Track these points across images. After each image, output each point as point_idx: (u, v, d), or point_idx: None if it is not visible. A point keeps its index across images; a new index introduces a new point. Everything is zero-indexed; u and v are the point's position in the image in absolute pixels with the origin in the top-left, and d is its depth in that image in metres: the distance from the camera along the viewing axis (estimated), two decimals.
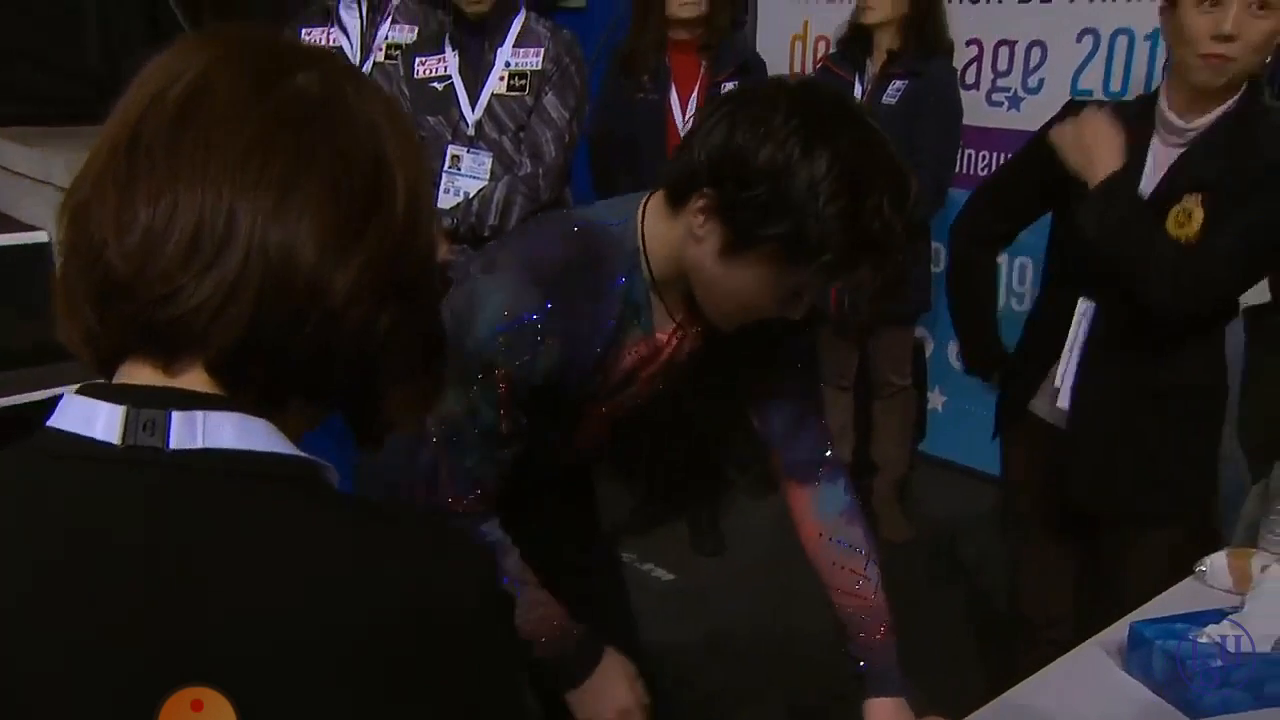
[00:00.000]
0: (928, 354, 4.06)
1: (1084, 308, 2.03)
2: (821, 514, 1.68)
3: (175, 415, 0.65)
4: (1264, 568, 1.70)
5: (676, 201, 1.31)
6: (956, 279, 2.31)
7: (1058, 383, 2.09)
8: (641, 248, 1.37)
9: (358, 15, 3.08)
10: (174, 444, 0.65)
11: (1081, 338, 2.04)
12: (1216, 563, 1.83)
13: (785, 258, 1.25)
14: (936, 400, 4.14)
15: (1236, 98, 1.86)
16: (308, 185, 0.66)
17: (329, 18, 3.08)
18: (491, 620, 0.68)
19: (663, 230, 1.35)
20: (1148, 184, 1.93)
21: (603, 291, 1.37)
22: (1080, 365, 2.04)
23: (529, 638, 1.43)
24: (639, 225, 1.37)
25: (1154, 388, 2.00)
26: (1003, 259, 3.83)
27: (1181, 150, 1.91)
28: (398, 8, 3.10)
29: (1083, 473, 2.08)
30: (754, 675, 2.39)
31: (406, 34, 3.07)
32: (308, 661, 0.62)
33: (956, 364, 4.09)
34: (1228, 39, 1.75)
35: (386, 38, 3.08)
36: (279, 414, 0.69)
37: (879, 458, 3.77)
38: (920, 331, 3.99)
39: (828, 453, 1.68)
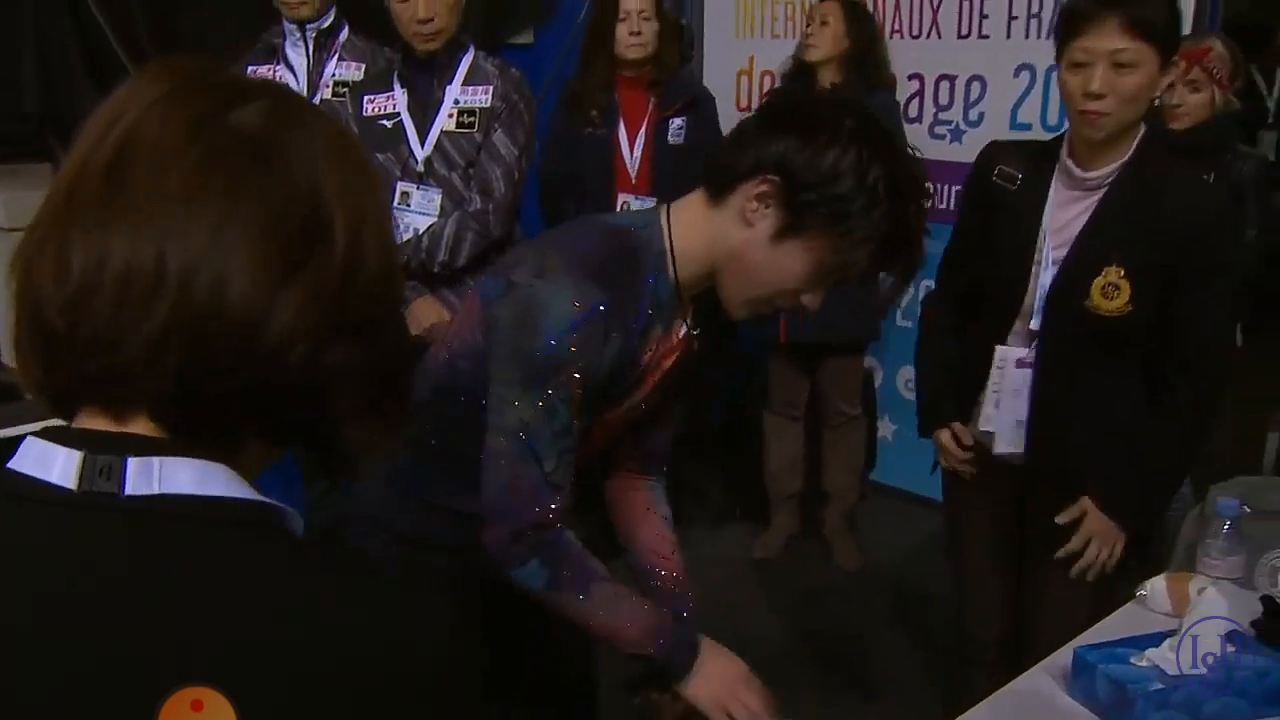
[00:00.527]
0: (877, 383, 4.10)
1: (1004, 355, 2.07)
2: (654, 498, 1.76)
3: (131, 461, 0.65)
4: (1200, 590, 1.74)
5: (722, 191, 1.42)
6: (924, 345, 2.33)
7: (988, 425, 2.11)
8: (669, 249, 1.45)
9: (304, 53, 3.09)
10: (129, 490, 0.65)
11: (1013, 385, 2.07)
12: (1156, 586, 1.87)
13: (832, 246, 1.39)
14: (886, 429, 4.18)
15: (1131, 151, 1.92)
16: (238, 226, 0.65)
17: (275, 55, 3.09)
18: (456, 674, 0.68)
19: (697, 225, 1.45)
20: (1052, 230, 1.99)
21: (641, 288, 1.44)
22: (1031, 415, 2.07)
23: (638, 648, 1.45)
24: (665, 228, 1.46)
25: (1105, 427, 2.04)
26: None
27: (1081, 203, 1.97)
28: (345, 45, 3.11)
29: (1042, 505, 2.11)
30: None
31: (354, 72, 3.09)
32: (263, 713, 0.61)
33: (906, 393, 4.13)
34: (1098, 96, 1.83)
35: (334, 75, 3.09)
36: (236, 455, 0.69)
37: (830, 487, 3.80)
38: (870, 361, 4.04)
39: (665, 446, 1.77)
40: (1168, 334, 1.95)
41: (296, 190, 0.67)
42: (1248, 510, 1.94)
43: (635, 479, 1.76)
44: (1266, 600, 1.81)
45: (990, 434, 2.12)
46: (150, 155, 0.65)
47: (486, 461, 1.40)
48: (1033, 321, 2.02)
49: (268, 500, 0.70)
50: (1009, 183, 2.03)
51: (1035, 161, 2.02)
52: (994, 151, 2.12)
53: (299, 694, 0.62)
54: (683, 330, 1.53)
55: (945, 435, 2.18)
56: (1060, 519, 2.05)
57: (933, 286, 2.35)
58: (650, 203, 3.26)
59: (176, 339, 0.64)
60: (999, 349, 2.06)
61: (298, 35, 3.08)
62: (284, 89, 0.74)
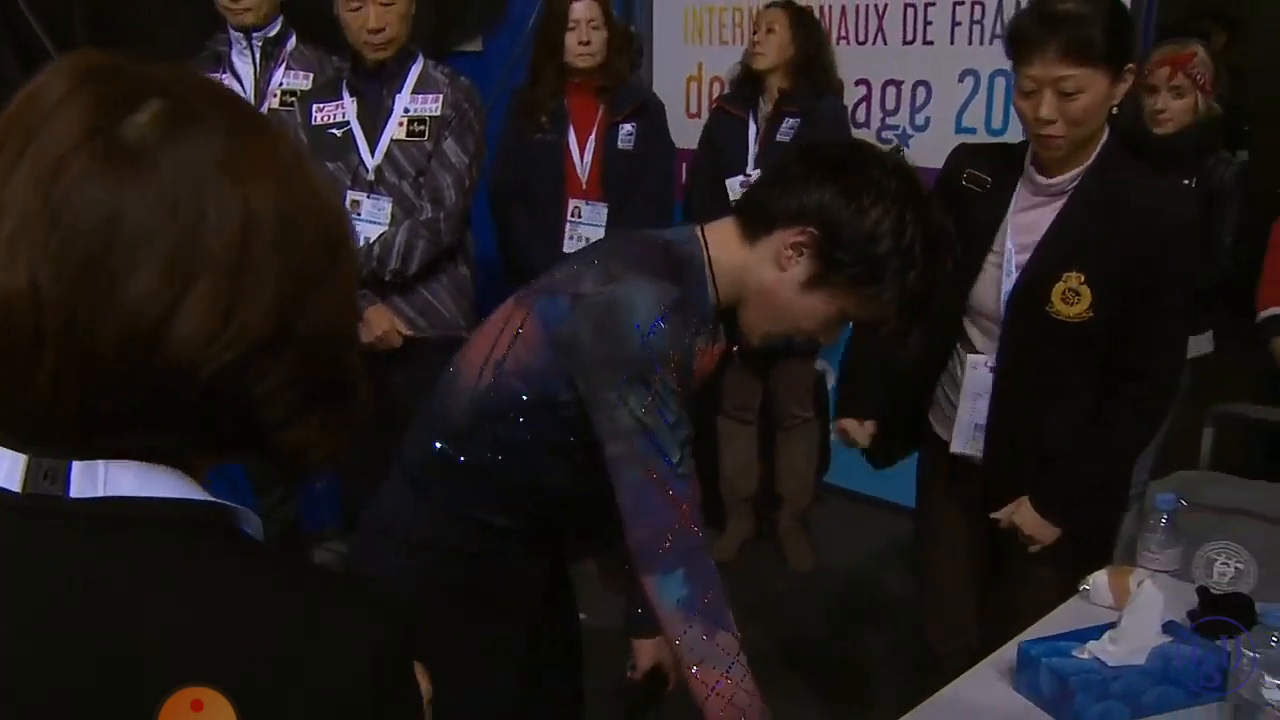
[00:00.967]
0: (829, 385, 4.13)
1: (973, 361, 2.08)
2: None
3: (76, 465, 0.65)
4: (1139, 583, 1.78)
5: (759, 229, 1.49)
6: (856, 349, 2.37)
7: (955, 443, 2.14)
8: (708, 264, 1.50)
9: (250, 61, 3.08)
10: (74, 492, 0.64)
11: (975, 388, 2.09)
12: (1098, 581, 1.90)
13: (861, 301, 1.48)
14: None
15: (1093, 158, 1.95)
16: (113, 252, 0.62)
17: (220, 63, 3.07)
18: (384, 686, 0.67)
19: (730, 252, 1.51)
20: (1014, 234, 2.01)
21: (696, 292, 1.48)
22: (991, 418, 2.09)
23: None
24: (703, 246, 1.51)
25: (1063, 431, 2.06)
26: None
27: (1044, 209, 1.99)
28: (292, 54, 3.10)
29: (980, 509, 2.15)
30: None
31: (302, 81, 3.08)
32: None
33: None
34: (1048, 122, 1.86)
35: (281, 84, 3.07)
36: (178, 459, 0.68)
37: (783, 489, 3.82)
38: (821, 363, 4.06)
39: None
40: (1124, 341, 1.96)
41: (175, 204, 0.63)
42: (1185, 504, 1.98)
43: None
44: (1202, 591, 1.85)
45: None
46: (33, 171, 0.63)
47: (615, 470, 1.41)
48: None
49: (219, 501, 0.69)
50: (978, 186, 2.05)
51: (1002, 166, 2.05)
52: (964, 155, 2.15)
53: (250, 691, 0.62)
54: (717, 345, 1.57)
55: (848, 423, 2.26)
56: (995, 515, 2.09)
57: None
58: (602, 208, 3.28)
59: (71, 375, 0.62)
60: (970, 356, 2.08)
61: (244, 43, 3.07)
62: (186, 85, 0.69)
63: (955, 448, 2.13)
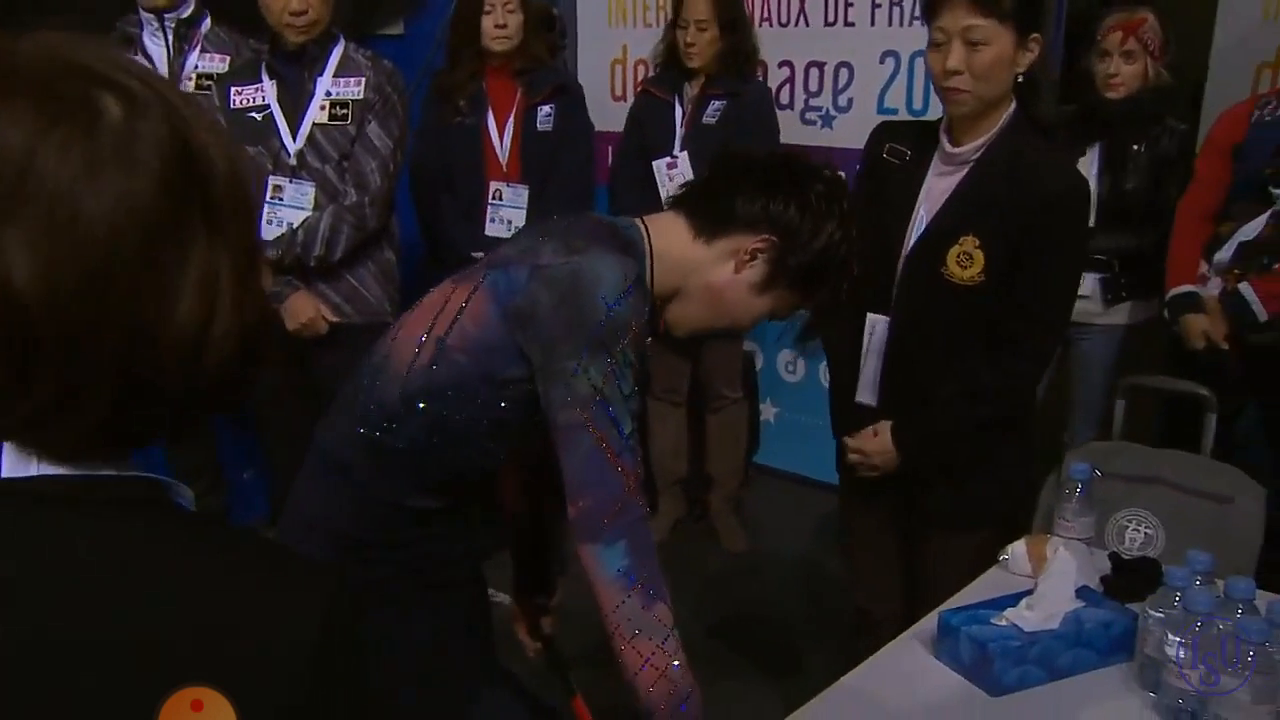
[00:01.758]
0: (758, 366, 4.17)
1: (874, 321, 2.14)
2: None
3: (7, 445, 0.65)
4: (1055, 551, 1.82)
5: (715, 230, 1.55)
6: (825, 338, 2.37)
7: (859, 394, 2.20)
8: (650, 254, 1.53)
9: (163, 44, 3.01)
10: (6, 472, 0.65)
11: (877, 347, 2.15)
12: (1017, 550, 1.95)
13: (798, 301, 1.60)
14: (769, 412, 4.26)
15: (997, 128, 2.00)
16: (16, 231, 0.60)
17: (131, 46, 2.99)
18: (333, 652, 0.67)
19: (676, 248, 1.55)
20: (926, 202, 2.07)
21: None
22: (881, 376, 2.15)
23: (649, 699, 1.39)
24: (646, 235, 1.54)
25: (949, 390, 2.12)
26: None
27: (952, 176, 2.05)
28: (207, 36, 3.04)
29: (899, 481, 2.19)
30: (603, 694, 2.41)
31: (217, 64, 3.02)
32: (123, 679, 0.61)
33: (787, 376, 4.22)
34: (955, 73, 1.93)
35: (196, 67, 3.01)
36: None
37: (714, 471, 3.85)
38: (750, 345, 4.10)
39: None
40: (1008, 306, 2.01)
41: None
42: (1099, 474, 2.03)
43: None
44: (1114, 557, 1.91)
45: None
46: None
47: (566, 436, 1.40)
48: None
49: (150, 475, 0.69)
50: (897, 159, 2.12)
51: (919, 139, 2.11)
52: (885, 131, 2.21)
53: (169, 660, 0.62)
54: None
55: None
56: (849, 439, 2.20)
57: None
58: (522, 189, 3.27)
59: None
60: (870, 315, 2.13)
61: (155, 25, 3.00)
62: (115, 62, 0.67)
63: (859, 397, 2.19)
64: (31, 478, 0.65)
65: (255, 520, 3.51)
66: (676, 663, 1.40)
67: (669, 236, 1.55)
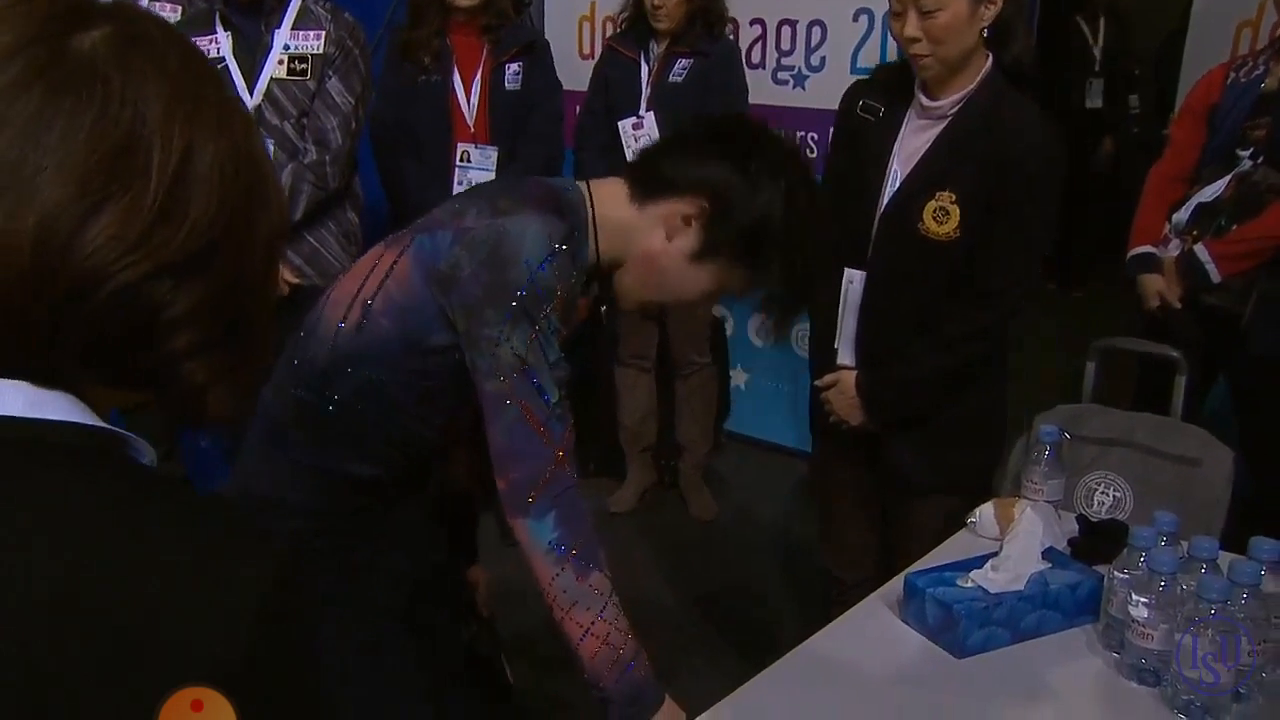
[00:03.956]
0: (729, 332, 4.13)
1: (850, 276, 2.13)
2: None
3: None
4: (1023, 512, 1.80)
5: (651, 194, 1.46)
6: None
7: (837, 344, 2.19)
8: (592, 220, 1.45)
9: None
10: None
11: (854, 303, 2.14)
12: (985, 513, 1.93)
13: (743, 276, 1.48)
14: (739, 378, 4.22)
15: (974, 84, 1.99)
16: (44, 151, 0.62)
17: None
18: (283, 618, 0.65)
19: (617, 212, 1.47)
20: (900, 156, 2.05)
21: (578, 240, 1.43)
22: (858, 332, 2.14)
23: (592, 667, 1.38)
24: (589, 200, 1.46)
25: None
26: None
27: (929, 131, 2.03)
28: None
29: (896, 444, 2.19)
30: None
31: (169, 13, 2.94)
32: (56, 647, 0.59)
33: (757, 341, 4.18)
34: (913, 40, 1.93)
35: None
36: (75, 387, 0.66)
37: (683, 438, 3.81)
38: (720, 310, 4.06)
39: None
40: (979, 262, 2.01)
41: (117, 120, 0.64)
42: (1068, 436, 2.01)
43: None
44: (1081, 519, 1.89)
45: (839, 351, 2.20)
46: None
47: (491, 409, 1.36)
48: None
49: (111, 427, 0.67)
50: (871, 115, 2.10)
51: (894, 95, 2.09)
52: (859, 87, 2.20)
53: (80, 621, 0.60)
54: (586, 298, 1.54)
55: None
56: (817, 382, 2.23)
57: None
58: (491, 151, 3.19)
59: None
60: (846, 270, 2.13)
61: None
62: (140, 16, 0.69)
63: (840, 359, 2.19)
64: None
65: (214, 488, 3.45)
66: (617, 629, 1.38)
67: (610, 202, 1.48)
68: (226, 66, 2.75)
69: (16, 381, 0.65)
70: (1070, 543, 1.82)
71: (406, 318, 1.41)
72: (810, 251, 1.48)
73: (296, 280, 2.83)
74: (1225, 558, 1.50)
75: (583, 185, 1.50)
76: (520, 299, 1.33)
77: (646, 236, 1.46)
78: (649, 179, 1.47)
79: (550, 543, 1.37)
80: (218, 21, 2.78)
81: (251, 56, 2.77)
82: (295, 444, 1.51)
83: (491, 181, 1.52)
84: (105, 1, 0.70)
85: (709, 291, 1.51)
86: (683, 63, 3.31)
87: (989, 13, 1.94)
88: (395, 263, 1.43)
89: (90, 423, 0.66)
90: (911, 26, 1.92)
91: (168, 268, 0.65)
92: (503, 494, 1.39)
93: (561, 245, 1.35)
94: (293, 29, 2.78)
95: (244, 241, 0.70)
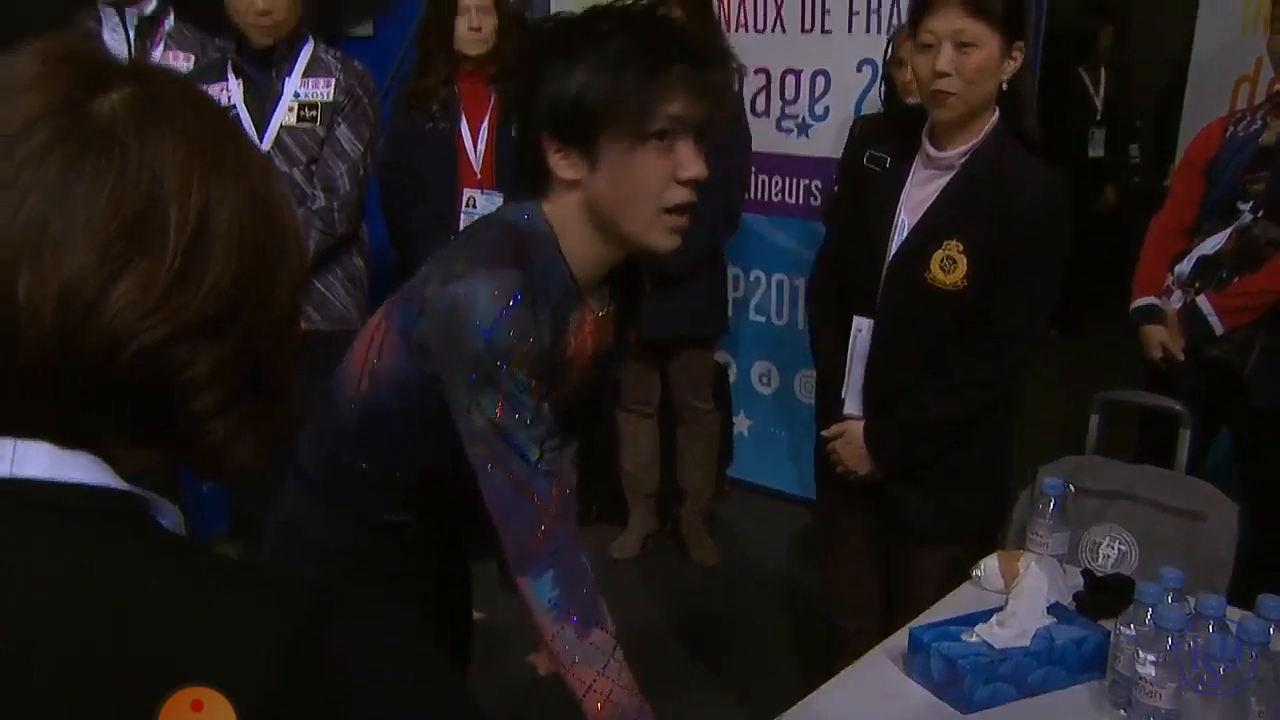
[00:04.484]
0: (732, 378, 4.14)
1: (859, 324, 2.14)
2: None
3: None
4: (1027, 567, 1.79)
5: (543, 180, 1.41)
6: (815, 339, 2.37)
7: (843, 393, 2.19)
8: (552, 235, 1.42)
9: (124, 40, 2.95)
10: None
11: (862, 351, 2.15)
12: (989, 566, 1.92)
13: (636, 136, 1.34)
14: (742, 424, 4.22)
15: (982, 135, 2.00)
16: (66, 219, 0.63)
17: (88, 40, 2.93)
18: (304, 683, 0.66)
19: (560, 213, 1.42)
20: (908, 206, 2.06)
21: (547, 275, 1.41)
22: (865, 381, 2.15)
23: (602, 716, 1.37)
24: (544, 218, 1.43)
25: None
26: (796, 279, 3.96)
27: (936, 181, 2.05)
28: (171, 34, 2.99)
29: (902, 492, 2.19)
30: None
31: (182, 62, 2.97)
32: (58, 704, 0.59)
33: (760, 387, 4.18)
34: (944, 75, 1.93)
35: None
36: (98, 448, 0.67)
37: (686, 484, 3.80)
38: (723, 355, 4.07)
39: None
40: (986, 313, 2.02)
41: (136, 183, 0.65)
42: (1072, 489, 2.00)
43: None
44: (1087, 574, 1.88)
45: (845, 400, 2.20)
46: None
47: (477, 474, 1.37)
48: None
49: (135, 489, 0.67)
50: (878, 165, 2.12)
51: (900, 144, 2.11)
52: (864, 135, 2.24)
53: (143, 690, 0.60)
54: (593, 315, 1.50)
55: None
56: (824, 432, 2.22)
57: (809, 278, 2.42)
58: (497, 197, 3.21)
59: (4, 339, 0.62)
60: (855, 318, 2.14)
61: (116, 20, 2.93)
62: (157, 75, 0.71)
63: (847, 408, 2.19)
64: (3, 478, 0.64)
65: (216, 534, 3.44)
66: (619, 686, 1.38)
67: (553, 212, 1.43)
68: (237, 114, 2.78)
69: (39, 442, 0.65)
70: (1075, 597, 1.81)
71: (406, 391, 1.43)
72: (663, 69, 1.33)
73: (303, 325, 2.83)
74: (1234, 614, 1.49)
75: (535, 205, 1.45)
76: (478, 365, 1.32)
77: (574, 200, 1.40)
78: (530, 179, 1.43)
79: (550, 601, 1.37)
80: (229, 70, 2.82)
81: (262, 104, 2.80)
82: (330, 492, 1.55)
83: (449, 246, 1.50)
84: (124, 62, 0.71)
85: (651, 180, 1.37)
86: None
87: (1010, 67, 1.97)
88: (387, 332, 1.45)
89: (113, 485, 0.67)
90: (944, 61, 1.92)
91: (188, 329, 0.66)
92: (506, 553, 1.40)
93: (513, 300, 1.32)
94: (303, 77, 2.82)
95: (264, 297, 0.71)
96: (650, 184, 1.37)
